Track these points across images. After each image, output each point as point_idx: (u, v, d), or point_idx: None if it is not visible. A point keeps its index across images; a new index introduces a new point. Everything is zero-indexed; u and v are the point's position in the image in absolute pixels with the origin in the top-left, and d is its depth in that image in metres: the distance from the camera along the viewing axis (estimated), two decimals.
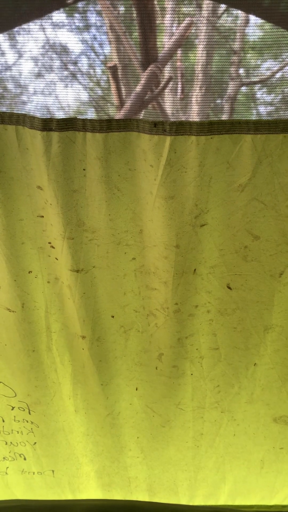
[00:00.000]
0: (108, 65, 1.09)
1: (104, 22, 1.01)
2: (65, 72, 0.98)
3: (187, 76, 1.06)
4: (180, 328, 0.99)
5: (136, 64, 1.08)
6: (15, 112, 0.81)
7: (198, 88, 1.04)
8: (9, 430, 1.14)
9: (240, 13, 0.98)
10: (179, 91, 1.06)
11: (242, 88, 1.06)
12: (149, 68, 1.05)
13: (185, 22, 1.03)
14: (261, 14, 0.91)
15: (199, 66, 1.03)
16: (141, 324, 1.00)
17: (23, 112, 0.81)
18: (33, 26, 0.92)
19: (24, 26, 0.92)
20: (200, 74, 1.04)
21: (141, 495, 1.24)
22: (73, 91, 0.95)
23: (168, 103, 1.10)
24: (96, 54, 1.07)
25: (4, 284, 0.96)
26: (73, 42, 0.97)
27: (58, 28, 0.94)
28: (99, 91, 1.14)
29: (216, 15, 1.05)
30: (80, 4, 0.95)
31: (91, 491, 1.25)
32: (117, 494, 1.25)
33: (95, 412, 1.11)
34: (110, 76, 1.11)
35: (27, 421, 1.13)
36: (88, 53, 1.03)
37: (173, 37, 1.07)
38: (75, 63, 1.00)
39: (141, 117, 1.05)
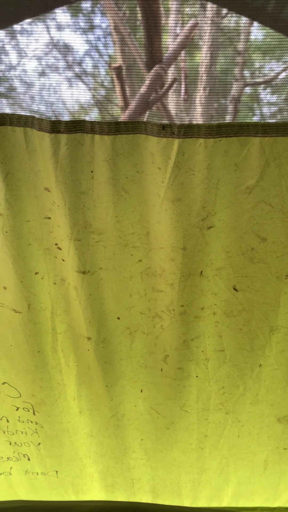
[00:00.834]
0: (113, 66, 1.09)
1: (108, 23, 1.01)
2: (70, 73, 0.98)
3: (191, 77, 1.06)
4: (186, 330, 0.99)
5: (140, 65, 1.08)
6: (23, 114, 0.81)
7: (202, 89, 1.04)
8: (14, 431, 1.14)
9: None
10: (183, 92, 1.06)
11: (246, 89, 1.06)
12: (154, 69, 1.05)
13: (190, 23, 1.03)
14: (265, 21, 0.92)
15: (203, 67, 1.03)
16: (147, 326, 1.00)
17: (32, 114, 0.81)
18: (37, 26, 0.92)
19: (27, 26, 0.92)
20: (204, 75, 1.04)
21: (144, 497, 1.24)
22: (78, 92, 0.95)
23: (173, 104, 1.10)
24: (100, 55, 1.07)
25: (10, 285, 0.96)
26: (77, 42, 0.97)
27: (62, 29, 0.94)
28: (104, 92, 1.14)
29: (221, 16, 1.05)
30: (84, 5, 0.95)
31: (95, 492, 1.25)
32: (121, 496, 1.25)
33: (100, 414, 1.11)
34: (114, 77, 1.11)
35: (32, 422, 1.13)
36: (93, 54, 1.03)
37: (178, 38, 1.07)
38: (79, 64, 1.00)
39: (145, 118, 1.05)
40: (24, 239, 0.92)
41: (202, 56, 1.03)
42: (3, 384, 1.08)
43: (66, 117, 0.92)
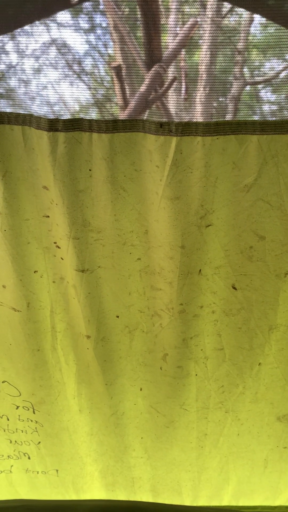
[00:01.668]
0: (112, 65, 1.09)
1: (108, 22, 1.01)
2: (69, 72, 0.98)
3: (191, 76, 1.06)
4: (185, 329, 0.99)
5: (140, 64, 1.08)
6: (21, 112, 0.81)
7: (202, 88, 1.04)
8: (14, 429, 1.14)
9: (244, 12, 0.98)
10: (183, 91, 1.06)
11: (246, 87, 1.06)
12: (153, 68, 1.05)
13: (189, 22, 1.03)
14: (266, 14, 0.91)
15: (203, 66, 1.03)
16: (146, 325, 1.00)
17: (30, 113, 0.81)
18: (37, 26, 0.92)
19: (28, 27, 0.92)
20: (204, 74, 1.04)
21: (144, 496, 1.24)
22: (78, 91, 0.95)
23: (172, 103, 1.10)
24: (100, 54, 1.07)
25: (9, 283, 0.96)
26: (77, 42, 0.97)
27: (62, 28, 0.94)
28: (103, 91, 1.14)
29: (220, 15, 1.05)
30: (84, 5, 0.96)
31: (95, 491, 1.25)
32: (121, 494, 1.25)
33: (99, 412, 1.11)
34: (114, 76, 1.11)
35: (32, 420, 1.13)
36: (92, 53, 1.03)
37: (177, 37, 1.07)
38: (79, 63, 1.00)
39: (145, 117, 1.05)
40: (23, 237, 0.92)
41: (202, 55, 1.03)
42: (3, 382, 1.08)
43: (65, 116, 0.92)
